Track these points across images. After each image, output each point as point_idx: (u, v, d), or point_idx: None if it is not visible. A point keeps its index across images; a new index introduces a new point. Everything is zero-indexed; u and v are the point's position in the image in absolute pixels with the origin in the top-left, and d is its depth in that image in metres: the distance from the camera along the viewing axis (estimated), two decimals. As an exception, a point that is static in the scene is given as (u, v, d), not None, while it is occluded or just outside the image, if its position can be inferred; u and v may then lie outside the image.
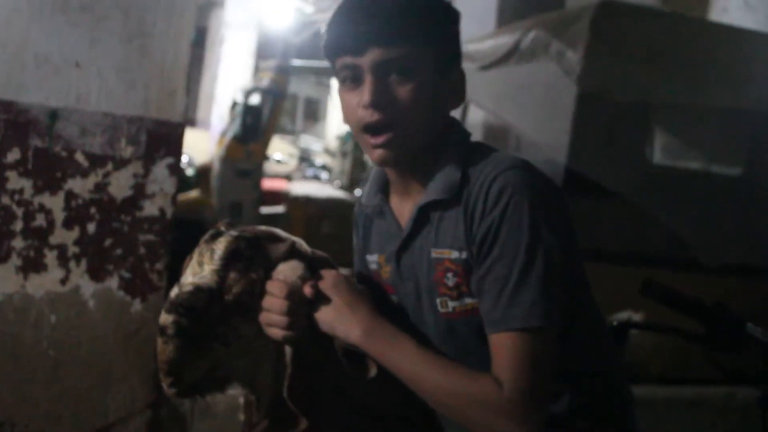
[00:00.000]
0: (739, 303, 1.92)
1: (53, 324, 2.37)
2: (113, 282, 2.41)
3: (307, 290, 1.39)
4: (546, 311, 1.26)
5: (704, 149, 5.08)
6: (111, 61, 2.37)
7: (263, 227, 1.51)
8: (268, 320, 1.39)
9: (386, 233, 1.53)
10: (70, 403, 2.39)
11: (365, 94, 1.37)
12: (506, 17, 7.27)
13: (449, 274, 1.38)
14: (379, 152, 1.41)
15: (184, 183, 7.58)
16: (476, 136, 6.28)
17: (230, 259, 1.41)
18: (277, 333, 1.39)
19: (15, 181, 2.28)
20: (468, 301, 1.38)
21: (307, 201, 8.25)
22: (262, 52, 15.20)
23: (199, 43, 14.65)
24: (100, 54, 2.35)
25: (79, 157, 2.35)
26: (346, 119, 1.44)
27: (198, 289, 1.39)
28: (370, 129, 1.39)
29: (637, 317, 3.44)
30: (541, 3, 6.88)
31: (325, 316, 1.39)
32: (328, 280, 1.41)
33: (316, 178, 14.77)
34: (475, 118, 6.11)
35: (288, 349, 1.42)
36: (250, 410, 1.54)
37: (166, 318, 1.39)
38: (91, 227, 2.38)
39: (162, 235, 2.44)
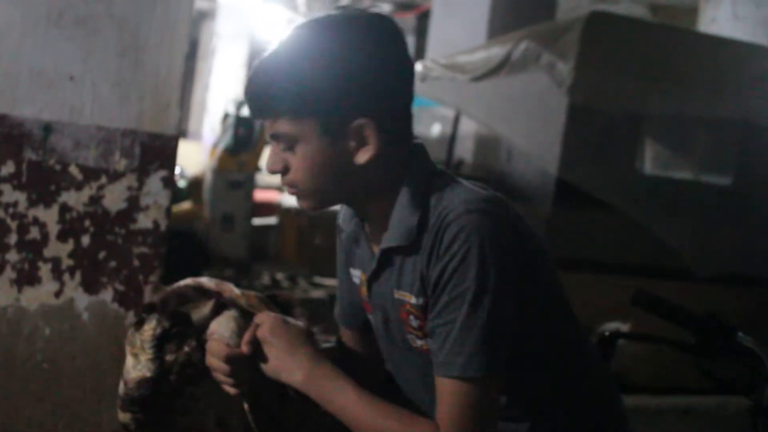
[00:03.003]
0: (729, 312, 1.94)
1: (47, 337, 2.37)
2: (107, 294, 2.41)
3: (244, 348, 1.39)
4: (486, 361, 1.26)
5: (695, 159, 5.12)
6: (105, 74, 2.38)
7: (184, 284, 1.51)
8: (216, 379, 1.43)
9: (363, 256, 1.53)
10: (64, 416, 2.40)
11: (267, 158, 1.43)
12: (497, 29, 7.30)
13: (411, 317, 1.39)
14: (297, 201, 1.45)
15: (175, 194, 7.59)
16: (467, 147, 6.31)
17: (160, 343, 1.45)
18: (228, 390, 1.42)
19: (9, 194, 2.29)
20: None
21: (299, 212, 8.24)
22: (254, 63, 15.21)
23: (191, 54, 14.66)
24: (94, 67, 2.36)
25: (74, 170, 2.36)
26: None
27: (141, 382, 1.44)
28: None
29: (624, 328, 3.46)
30: (531, 15, 6.92)
31: (267, 364, 1.40)
32: (266, 326, 1.41)
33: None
34: (466, 129, 6.14)
35: (244, 403, 1.46)
36: None
37: (123, 416, 1.47)
38: (86, 240, 2.38)
39: (156, 248, 2.45)
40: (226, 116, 8.58)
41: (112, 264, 2.41)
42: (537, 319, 1.37)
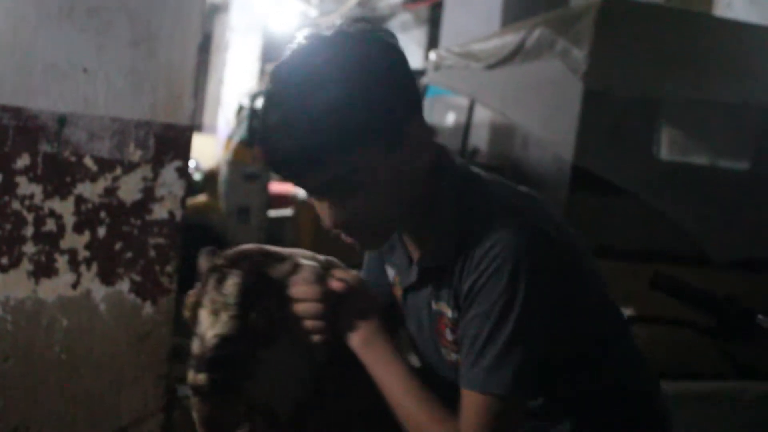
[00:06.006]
0: (747, 298, 1.92)
1: (65, 328, 2.38)
2: (124, 285, 2.42)
3: (336, 284, 1.39)
4: (508, 379, 1.25)
5: (711, 144, 5.07)
6: (118, 65, 2.38)
7: (247, 248, 1.46)
8: (304, 327, 1.39)
9: (400, 263, 1.51)
10: (83, 407, 2.41)
11: (322, 216, 1.33)
12: (511, 16, 7.26)
13: (447, 330, 1.39)
14: (359, 246, 1.39)
15: (191, 187, 7.60)
16: (482, 135, 6.29)
17: (245, 300, 1.37)
18: (316, 338, 1.39)
19: (25, 186, 2.30)
20: None
21: (315, 204, 8.24)
22: (268, 55, 15.21)
23: (205, 48, 14.69)
24: (107, 59, 2.37)
25: (88, 161, 2.36)
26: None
27: (223, 341, 1.35)
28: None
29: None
30: (545, 1, 6.88)
31: (338, 316, 1.40)
32: (352, 280, 1.42)
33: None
34: (480, 117, 6.11)
35: (321, 351, 1.42)
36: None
37: (198, 377, 1.36)
38: (101, 231, 2.39)
39: (172, 238, 2.45)
40: (240, 109, 8.59)
41: (128, 255, 2.42)
42: (579, 322, 1.36)
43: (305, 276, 1.41)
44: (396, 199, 1.33)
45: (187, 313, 1.43)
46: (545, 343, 1.29)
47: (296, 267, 1.43)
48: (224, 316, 1.36)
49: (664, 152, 5.01)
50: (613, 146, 4.49)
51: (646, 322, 1.98)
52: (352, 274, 1.44)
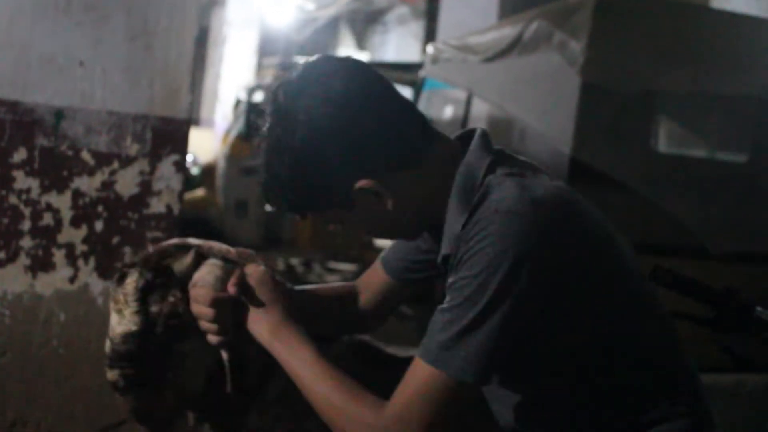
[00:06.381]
0: (746, 290, 1.91)
1: (63, 322, 2.38)
2: (122, 279, 2.42)
3: (231, 288, 1.39)
4: (460, 362, 1.22)
5: (710, 137, 5.07)
6: (115, 59, 2.37)
7: (167, 243, 1.50)
8: (201, 327, 1.42)
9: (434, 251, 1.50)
10: (81, 401, 2.40)
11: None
12: (508, 9, 7.25)
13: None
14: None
15: (189, 181, 7.59)
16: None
17: (144, 296, 1.42)
18: (212, 339, 1.41)
19: (22, 180, 2.29)
20: None
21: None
22: (265, 49, 15.20)
23: (201, 42, 14.66)
24: (104, 53, 2.36)
25: (85, 155, 2.36)
26: None
27: (127, 336, 1.42)
28: None
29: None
30: (542, -6, 6.87)
31: (245, 314, 1.40)
32: (254, 275, 1.41)
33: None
34: (478, 111, 6.11)
35: (224, 353, 1.44)
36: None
37: (111, 374, 1.43)
38: (99, 225, 2.39)
39: (169, 232, 2.45)
40: (237, 103, 8.60)
41: (126, 249, 2.41)
42: (580, 320, 1.31)
43: (202, 277, 1.41)
44: (385, 227, 1.41)
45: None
46: (519, 336, 1.25)
47: (199, 259, 1.45)
48: (126, 313, 1.42)
49: (663, 145, 5.00)
50: (611, 139, 4.49)
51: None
52: (260, 270, 1.43)
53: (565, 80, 4.48)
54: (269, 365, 1.48)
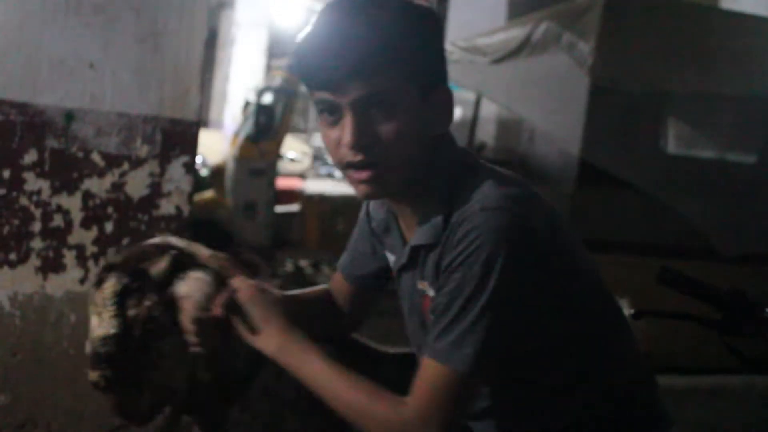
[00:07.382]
0: (755, 292, 1.91)
1: (73, 323, 2.39)
2: (131, 280, 2.43)
3: (217, 311, 1.42)
4: (470, 356, 1.26)
5: (719, 138, 5.06)
6: (124, 61, 2.38)
7: (148, 243, 1.55)
8: (187, 339, 1.46)
9: (394, 244, 1.53)
10: (90, 402, 2.41)
11: (346, 133, 1.31)
12: (517, 10, 7.24)
13: (430, 310, 1.39)
14: (363, 187, 1.36)
15: (198, 183, 7.61)
16: (489, 130, 6.27)
17: (121, 299, 1.47)
18: (195, 350, 1.46)
19: (33, 182, 2.30)
20: None
21: (321, 199, 8.24)
22: (274, 51, 15.21)
23: (210, 43, 14.68)
24: (114, 54, 2.37)
25: (96, 157, 2.37)
26: (328, 153, 1.39)
27: (106, 338, 1.45)
28: (353, 166, 1.34)
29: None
30: (551, -5, 6.86)
31: (242, 330, 1.42)
32: (243, 292, 1.42)
33: (330, 176, 14.77)
34: (487, 112, 6.11)
35: (201, 362, 1.50)
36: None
37: (92, 375, 1.47)
38: (109, 227, 2.40)
39: (179, 233, 2.46)
40: (246, 104, 8.58)
41: (136, 250, 2.42)
42: (557, 316, 1.36)
43: (190, 293, 1.45)
44: (415, 148, 1.34)
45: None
46: (512, 331, 1.30)
47: (176, 264, 1.49)
48: (105, 317, 1.47)
49: (671, 146, 4.99)
50: (620, 140, 4.48)
51: (653, 315, 1.98)
52: (249, 286, 1.44)
53: (574, 81, 4.48)
54: (255, 362, 1.54)
